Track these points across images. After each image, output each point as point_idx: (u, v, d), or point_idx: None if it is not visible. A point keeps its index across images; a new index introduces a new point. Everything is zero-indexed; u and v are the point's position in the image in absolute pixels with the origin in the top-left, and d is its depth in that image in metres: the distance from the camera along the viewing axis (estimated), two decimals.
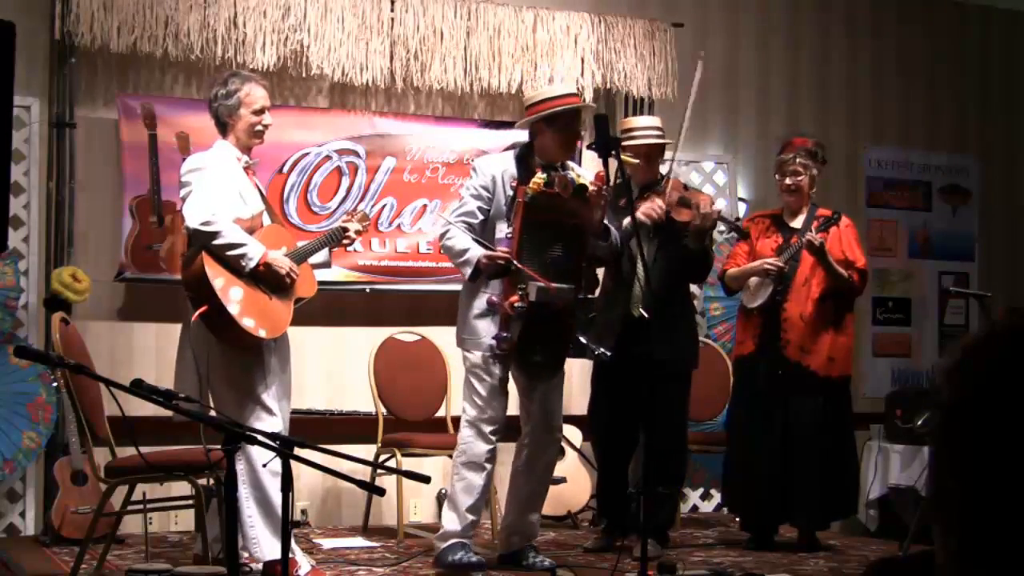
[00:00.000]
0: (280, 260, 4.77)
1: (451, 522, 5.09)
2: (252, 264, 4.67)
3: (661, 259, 5.60)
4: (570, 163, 5.26)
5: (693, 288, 7.38)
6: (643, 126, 5.82)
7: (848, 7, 8.05)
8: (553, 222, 5.02)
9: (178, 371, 4.88)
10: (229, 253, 4.65)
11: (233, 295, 4.65)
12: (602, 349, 5.26)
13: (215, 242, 4.63)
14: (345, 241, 5.17)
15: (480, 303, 5.05)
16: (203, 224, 4.62)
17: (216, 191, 4.71)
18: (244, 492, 4.68)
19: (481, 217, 5.05)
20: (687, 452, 6.02)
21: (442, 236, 5.11)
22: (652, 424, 5.45)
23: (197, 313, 4.62)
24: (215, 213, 4.64)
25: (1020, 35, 8.57)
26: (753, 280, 5.90)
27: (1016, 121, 8.52)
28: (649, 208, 5.46)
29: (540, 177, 4.96)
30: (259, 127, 4.87)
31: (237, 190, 4.82)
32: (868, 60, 8.08)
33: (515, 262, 4.89)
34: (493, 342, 5.01)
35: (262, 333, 4.73)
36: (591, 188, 5.00)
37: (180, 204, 4.88)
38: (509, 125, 6.66)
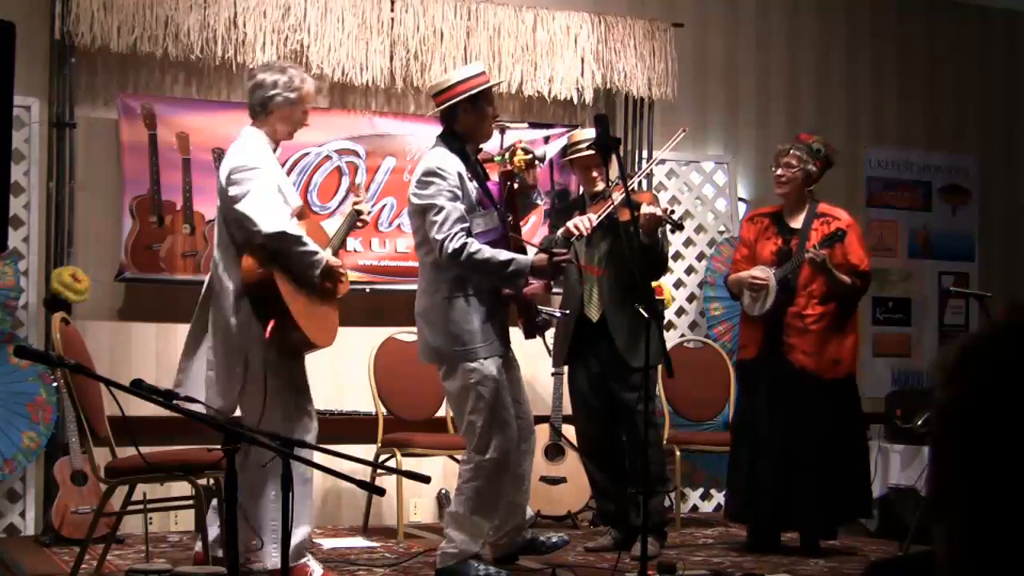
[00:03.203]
0: (335, 261, 4.79)
1: (465, 543, 4.87)
2: (320, 268, 4.66)
3: (613, 259, 5.61)
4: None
5: (693, 289, 7.42)
6: (588, 138, 5.76)
7: (848, 7, 8.05)
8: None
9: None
10: (305, 260, 4.62)
11: (297, 305, 4.62)
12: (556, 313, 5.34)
13: (295, 247, 4.60)
14: (359, 224, 5.16)
15: (481, 307, 4.81)
16: (285, 229, 4.57)
17: (274, 193, 4.66)
18: (273, 496, 4.65)
19: (467, 220, 4.79)
20: (662, 450, 6.04)
21: (460, 252, 4.67)
22: (630, 425, 5.53)
23: (268, 330, 4.54)
24: (287, 217, 4.62)
25: (1020, 35, 8.57)
26: (747, 293, 5.85)
27: (1016, 121, 8.53)
28: (578, 220, 5.45)
29: (521, 154, 4.97)
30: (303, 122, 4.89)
31: (281, 186, 4.80)
32: (868, 60, 8.08)
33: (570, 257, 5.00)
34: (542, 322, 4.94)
35: (321, 342, 4.74)
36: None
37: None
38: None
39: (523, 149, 5.04)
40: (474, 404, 4.82)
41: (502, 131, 5.22)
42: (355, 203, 5.16)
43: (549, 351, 5.25)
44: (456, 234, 4.69)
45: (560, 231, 5.49)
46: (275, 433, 3.67)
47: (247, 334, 4.66)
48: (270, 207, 4.60)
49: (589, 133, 5.68)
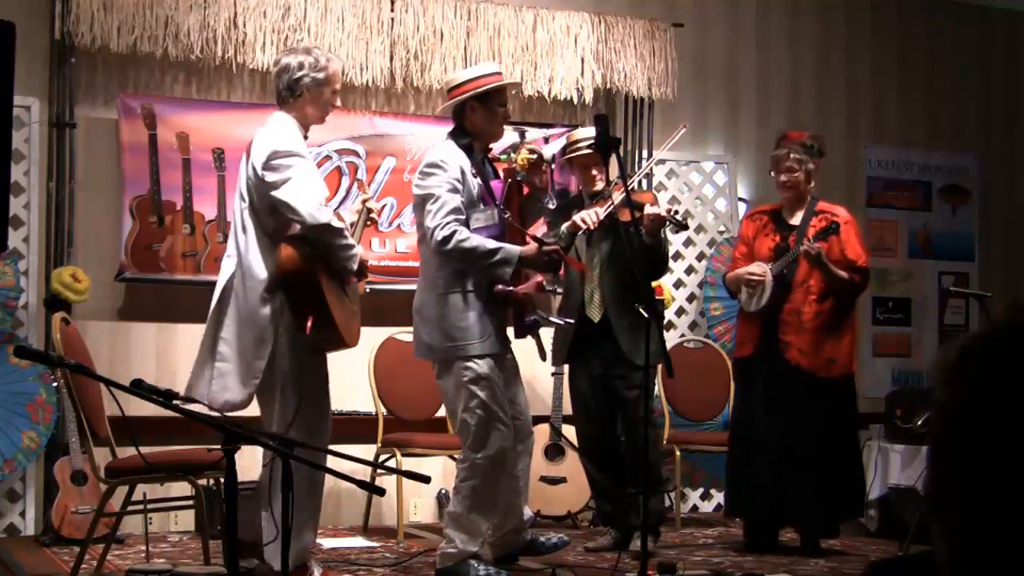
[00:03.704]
0: (363, 256, 4.75)
1: (465, 542, 4.86)
2: (356, 263, 4.61)
3: (614, 259, 5.61)
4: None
5: (694, 289, 7.42)
6: (587, 137, 5.74)
7: (848, 7, 8.05)
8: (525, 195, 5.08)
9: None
10: (343, 254, 4.56)
11: (333, 301, 4.55)
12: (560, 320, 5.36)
13: (337, 240, 4.53)
14: (369, 222, 5.14)
15: (478, 303, 4.81)
16: (329, 221, 4.50)
17: (313, 182, 4.59)
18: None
19: (464, 212, 4.80)
20: (660, 450, 6.06)
21: (448, 240, 4.69)
22: (629, 425, 5.55)
23: (309, 326, 4.44)
24: (328, 208, 4.58)
25: (1020, 35, 8.57)
26: (744, 290, 5.85)
27: (1016, 121, 8.53)
28: (585, 214, 5.45)
29: (526, 153, 4.96)
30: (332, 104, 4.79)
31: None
32: (868, 60, 8.09)
33: (560, 251, 4.95)
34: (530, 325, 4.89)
35: (352, 342, 4.70)
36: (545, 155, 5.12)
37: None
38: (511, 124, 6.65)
39: (529, 149, 5.01)
40: (467, 403, 4.80)
41: (521, 134, 5.20)
42: (364, 201, 5.11)
43: (541, 352, 5.20)
44: (447, 222, 4.71)
45: (566, 224, 5.48)
46: (274, 433, 3.67)
47: (277, 327, 4.56)
48: (313, 197, 4.51)
49: (588, 132, 5.66)
